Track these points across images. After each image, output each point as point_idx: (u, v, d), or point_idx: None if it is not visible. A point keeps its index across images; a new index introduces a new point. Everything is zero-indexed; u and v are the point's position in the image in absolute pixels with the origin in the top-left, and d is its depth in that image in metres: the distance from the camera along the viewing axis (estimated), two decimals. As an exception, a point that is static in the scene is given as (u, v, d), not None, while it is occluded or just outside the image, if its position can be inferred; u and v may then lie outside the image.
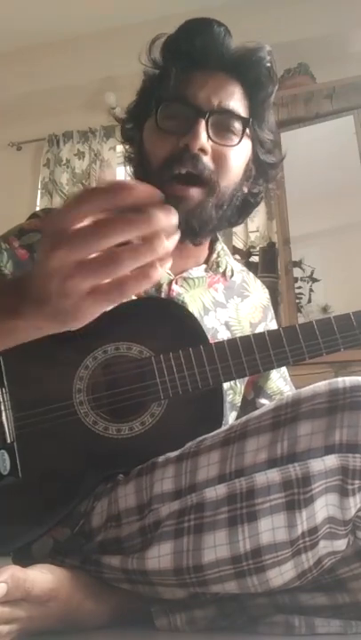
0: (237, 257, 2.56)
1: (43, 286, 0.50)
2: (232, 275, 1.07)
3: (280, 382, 1.11)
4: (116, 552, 0.79)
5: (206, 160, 0.89)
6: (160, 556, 0.72)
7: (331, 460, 0.69)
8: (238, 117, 0.91)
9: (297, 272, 2.26)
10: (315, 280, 2.24)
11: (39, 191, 3.15)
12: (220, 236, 1.08)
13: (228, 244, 2.68)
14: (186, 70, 0.91)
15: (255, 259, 2.50)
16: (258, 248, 2.54)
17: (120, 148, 3.13)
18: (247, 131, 0.93)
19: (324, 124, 2.35)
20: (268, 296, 1.16)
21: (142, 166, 0.95)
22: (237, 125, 0.91)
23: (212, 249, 1.06)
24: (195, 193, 0.90)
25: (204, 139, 0.88)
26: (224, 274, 1.06)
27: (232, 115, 0.90)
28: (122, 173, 3.16)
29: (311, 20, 2.73)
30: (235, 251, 2.62)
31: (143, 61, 0.96)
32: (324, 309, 2.19)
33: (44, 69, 3.10)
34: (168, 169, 0.90)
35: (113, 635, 0.80)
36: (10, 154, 3.24)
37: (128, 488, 0.82)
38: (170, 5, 2.83)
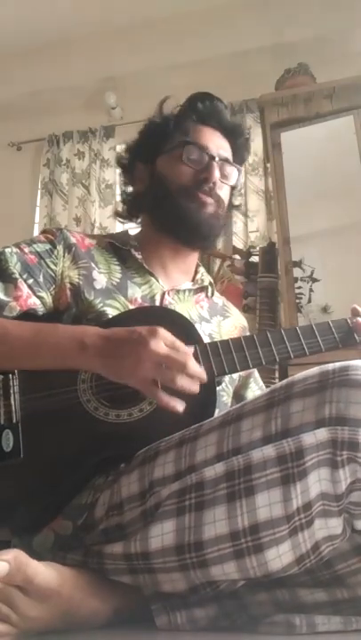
0: (237, 257, 2.56)
1: (130, 350, 0.84)
2: (212, 294, 1.24)
3: (258, 393, 1.15)
4: (118, 539, 0.80)
5: (217, 190, 1.14)
6: (163, 534, 0.75)
7: (321, 434, 0.73)
8: (234, 166, 1.18)
9: (297, 272, 2.26)
10: (315, 280, 2.24)
11: (39, 191, 3.16)
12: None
13: (229, 245, 2.69)
14: (198, 124, 1.17)
15: (255, 259, 2.50)
16: (258, 248, 2.54)
17: (120, 148, 3.13)
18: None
19: (324, 123, 2.34)
20: (246, 322, 1.33)
21: (160, 187, 1.15)
22: (230, 171, 1.18)
23: (196, 270, 1.25)
24: (210, 201, 1.14)
25: (217, 175, 1.13)
26: (207, 293, 1.22)
27: (231, 163, 1.18)
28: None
29: (311, 20, 2.73)
30: (235, 251, 2.62)
31: (153, 113, 1.21)
32: (325, 309, 2.19)
33: (44, 69, 3.10)
34: (188, 192, 1.12)
35: (113, 634, 0.81)
36: (10, 154, 3.25)
37: (132, 477, 0.85)
38: (170, 6, 2.83)
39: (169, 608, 0.77)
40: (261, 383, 1.25)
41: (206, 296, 1.22)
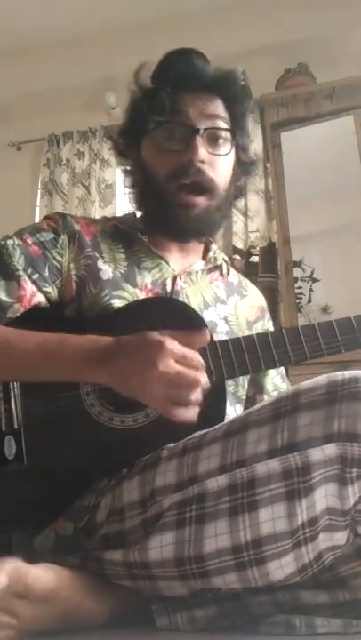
0: (237, 257, 2.56)
1: (138, 366, 0.77)
2: (228, 272, 1.15)
3: (277, 379, 1.14)
4: (118, 546, 0.79)
5: (207, 170, 1.00)
6: (162, 546, 0.73)
7: (330, 449, 0.71)
8: (226, 130, 1.03)
9: (297, 272, 2.26)
10: (315, 280, 2.24)
11: (39, 191, 3.16)
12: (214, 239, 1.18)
13: (228, 245, 2.68)
14: (175, 93, 1.02)
15: (255, 259, 2.51)
16: (258, 248, 2.54)
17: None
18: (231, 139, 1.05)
19: (324, 123, 2.35)
20: (265, 301, 1.23)
21: (146, 180, 1.05)
22: (225, 136, 1.03)
23: (207, 248, 1.14)
24: (200, 201, 1.01)
25: (203, 152, 1.00)
26: (221, 272, 1.13)
27: (220, 128, 1.02)
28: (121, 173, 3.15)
29: (311, 20, 2.73)
30: (235, 251, 2.62)
31: (131, 87, 1.06)
32: (325, 309, 2.19)
33: (44, 69, 3.10)
34: (174, 181, 1.00)
35: (113, 635, 0.80)
36: (10, 154, 3.24)
37: (132, 483, 0.84)
38: (170, 6, 2.83)
39: (169, 609, 0.77)
40: (281, 367, 1.14)
41: (221, 275, 1.13)
